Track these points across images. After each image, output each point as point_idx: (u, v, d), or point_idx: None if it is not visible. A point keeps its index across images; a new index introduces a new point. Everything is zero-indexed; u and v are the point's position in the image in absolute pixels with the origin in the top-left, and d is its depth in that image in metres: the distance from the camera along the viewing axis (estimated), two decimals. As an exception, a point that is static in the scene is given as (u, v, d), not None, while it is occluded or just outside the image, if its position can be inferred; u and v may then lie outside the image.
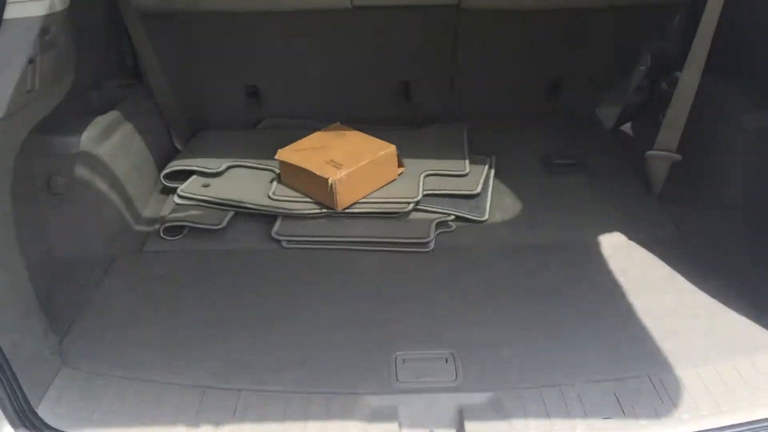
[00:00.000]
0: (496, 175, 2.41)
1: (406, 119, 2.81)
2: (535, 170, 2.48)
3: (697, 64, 2.04)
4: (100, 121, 2.11)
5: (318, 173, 2.09)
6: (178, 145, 2.63)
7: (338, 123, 2.41)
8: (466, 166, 2.36)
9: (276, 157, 2.24)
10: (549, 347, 1.61)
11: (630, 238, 2.04)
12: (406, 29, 2.57)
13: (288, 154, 2.22)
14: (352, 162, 2.14)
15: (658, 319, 1.68)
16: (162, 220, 2.16)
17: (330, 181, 2.05)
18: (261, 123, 2.82)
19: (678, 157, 2.16)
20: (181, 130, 2.64)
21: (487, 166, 2.41)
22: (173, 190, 2.30)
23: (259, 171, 2.36)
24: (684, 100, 2.09)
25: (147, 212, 2.27)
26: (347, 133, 2.33)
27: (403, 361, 1.57)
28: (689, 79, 2.06)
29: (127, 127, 2.26)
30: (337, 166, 2.12)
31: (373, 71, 2.73)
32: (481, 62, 2.71)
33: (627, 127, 2.79)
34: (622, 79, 2.81)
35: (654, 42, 2.67)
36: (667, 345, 1.59)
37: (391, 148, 2.22)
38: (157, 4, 2.37)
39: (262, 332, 1.68)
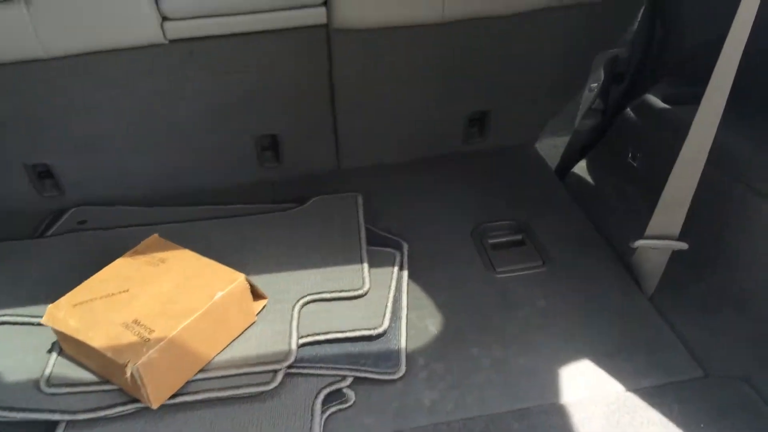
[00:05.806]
0: (412, 276, 1.62)
1: (277, 190, 1.98)
2: (468, 258, 1.68)
3: (714, 107, 1.27)
4: None
5: (109, 354, 1.22)
6: None
7: (156, 235, 1.51)
8: (365, 277, 1.54)
9: (42, 320, 1.34)
10: None
11: (628, 389, 1.30)
12: (263, 60, 1.73)
13: (63, 313, 1.32)
14: (170, 321, 1.27)
15: None
16: None
17: (129, 367, 1.19)
18: (64, 216, 1.90)
19: (683, 245, 1.41)
20: None
21: (396, 269, 1.61)
22: None
23: (33, 330, 1.46)
24: (693, 163, 1.33)
25: None
26: (168, 256, 1.44)
27: None
28: (702, 129, 1.30)
29: None
30: (145, 333, 1.25)
31: (222, 123, 1.86)
32: (369, 96, 1.89)
33: (581, 169, 2.03)
34: (568, 102, 2.05)
35: (606, 50, 1.92)
36: None
37: (239, 280, 1.37)
38: None
39: None
